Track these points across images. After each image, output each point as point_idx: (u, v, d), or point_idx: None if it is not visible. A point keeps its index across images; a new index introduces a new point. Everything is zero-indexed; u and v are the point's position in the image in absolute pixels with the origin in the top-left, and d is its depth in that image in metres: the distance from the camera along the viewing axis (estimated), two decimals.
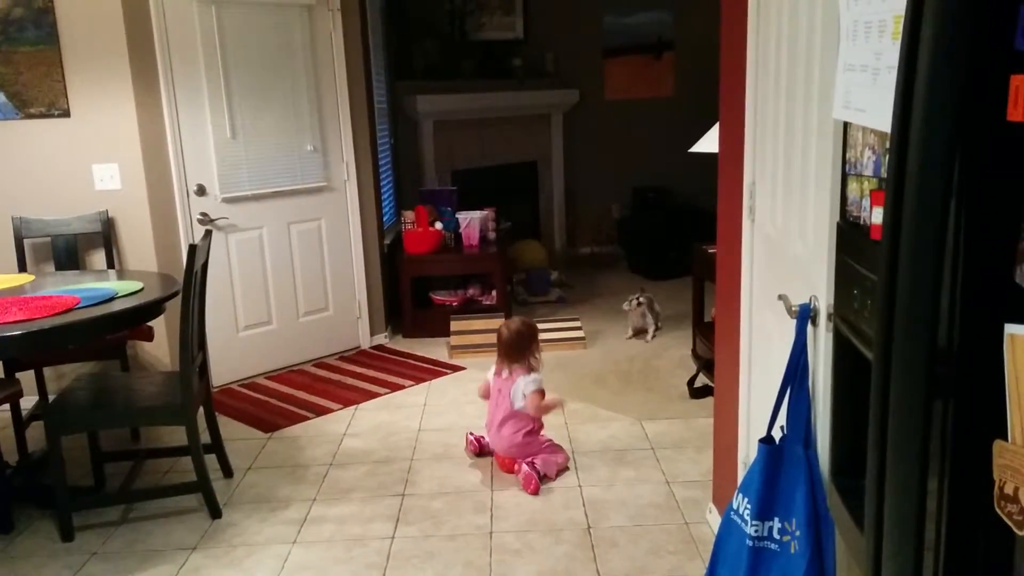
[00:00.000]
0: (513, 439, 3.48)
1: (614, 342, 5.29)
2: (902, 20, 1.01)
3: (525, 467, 3.39)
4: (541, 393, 3.55)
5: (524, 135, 7.34)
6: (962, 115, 0.92)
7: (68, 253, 4.19)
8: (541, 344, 5.13)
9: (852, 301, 1.42)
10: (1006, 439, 0.94)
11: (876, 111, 1.23)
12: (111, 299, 3.14)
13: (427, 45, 6.63)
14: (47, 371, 4.06)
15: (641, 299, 5.31)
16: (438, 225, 5.66)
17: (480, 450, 3.69)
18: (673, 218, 7.05)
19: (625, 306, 5.34)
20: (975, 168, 0.95)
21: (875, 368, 1.09)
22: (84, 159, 4.20)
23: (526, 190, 7.52)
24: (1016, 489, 0.93)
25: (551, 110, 7.46)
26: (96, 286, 3.34)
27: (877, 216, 1.28)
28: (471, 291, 5.83)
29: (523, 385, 3.52)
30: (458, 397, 4.44)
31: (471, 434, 3.75)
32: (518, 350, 3.61)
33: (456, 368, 4.91)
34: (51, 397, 3.89)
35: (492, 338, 5.11)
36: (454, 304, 5.71)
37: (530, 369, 3.59)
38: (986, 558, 1.02)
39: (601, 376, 4.70)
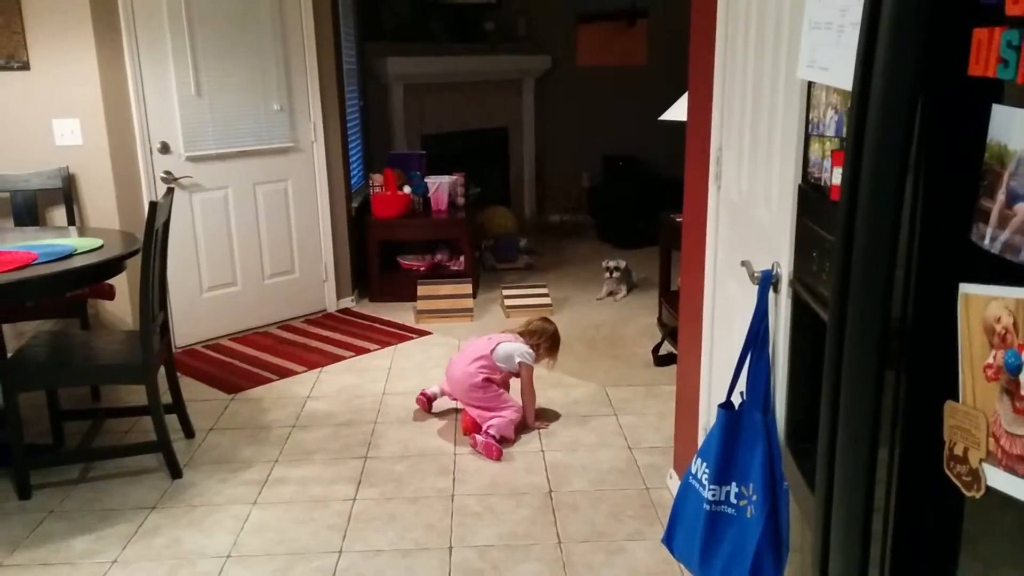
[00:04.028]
0: (473, 377, 3.46)
1: (581, 309, 5.30)
2: None
3: (480, 438, 3.39)
4: (532, 369, 3.59)
5: (495, 100, 7.27)
6: (924, 69, 0.91)
7: (27, 209, 4.10)
8: (508, 310, 5.15)
9: (811, 264, 1.42)
10: (957, 401, 0.94)
11: (839, 69, 1.22)
12: (70, 255, 3.08)
13: (396, 5, 6.52)
14: (6, 329, 3.96)
15: (616, 272, 5.46)
16: (406, 189, 5.61)
17: (430, 406, 3.70)
18: (643, 187, 7.05)
19: (605, 274, 5.50)
20: (935, 124, 0.93)
21: (830, 329, 1.09)
22: (44, 114, 4.09)
23: (496, 156, 7.47)
24: (966, 450, 0.93)
25: (523, 75, 7.39)
26: (55, 242, 3.27)
27: (837, 176, 1.27)
28: (439, 256, 5.80)
29: (519, 351, 3.55)
30: (423, 361, 4.43)
31: (422, 393, 3.77)
32: (543, 339, 3.69)
33: (422, 333, 4.89)
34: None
35: (459, 303, 5.14)
36: (421, 269, 5.67)
37: (532, 347, 3.63)
38: (934, 520, 1.03)
39: (567, 343, 4.68)
